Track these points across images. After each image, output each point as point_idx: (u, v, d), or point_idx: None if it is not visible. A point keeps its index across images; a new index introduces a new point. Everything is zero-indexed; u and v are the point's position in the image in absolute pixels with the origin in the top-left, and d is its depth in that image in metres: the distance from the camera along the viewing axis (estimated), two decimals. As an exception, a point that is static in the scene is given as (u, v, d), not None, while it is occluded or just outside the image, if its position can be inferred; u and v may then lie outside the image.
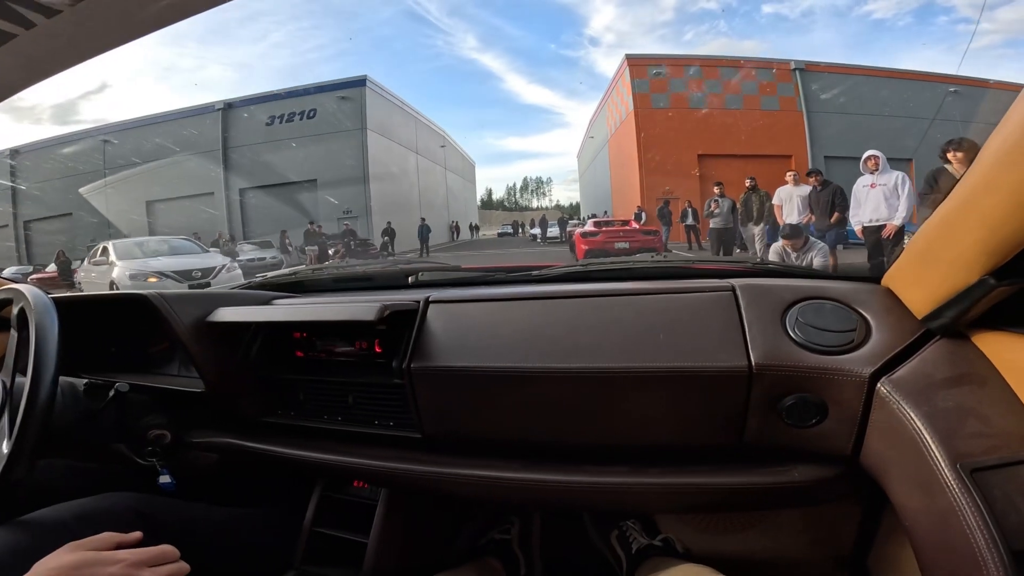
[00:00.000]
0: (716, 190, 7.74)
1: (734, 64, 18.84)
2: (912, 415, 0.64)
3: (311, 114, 19.26)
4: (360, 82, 19.41)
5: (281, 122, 19.38)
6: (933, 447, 0.59)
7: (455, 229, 26.04)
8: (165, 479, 1.05)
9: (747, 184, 7.28)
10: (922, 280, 0.71)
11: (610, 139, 22.50)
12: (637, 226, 11.18)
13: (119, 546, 0.65)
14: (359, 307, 0.93)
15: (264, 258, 14.38)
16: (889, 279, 0.81)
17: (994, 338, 0.65)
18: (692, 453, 0.85)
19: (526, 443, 0.92)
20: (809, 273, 1.03)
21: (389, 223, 16.70)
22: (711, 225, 7.83)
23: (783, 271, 1.06)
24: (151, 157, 19.09)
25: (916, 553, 0.64)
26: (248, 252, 14.58)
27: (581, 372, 0.82)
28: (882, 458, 0.71)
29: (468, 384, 0.90)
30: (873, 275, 0.87)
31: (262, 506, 1.18)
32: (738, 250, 8.01)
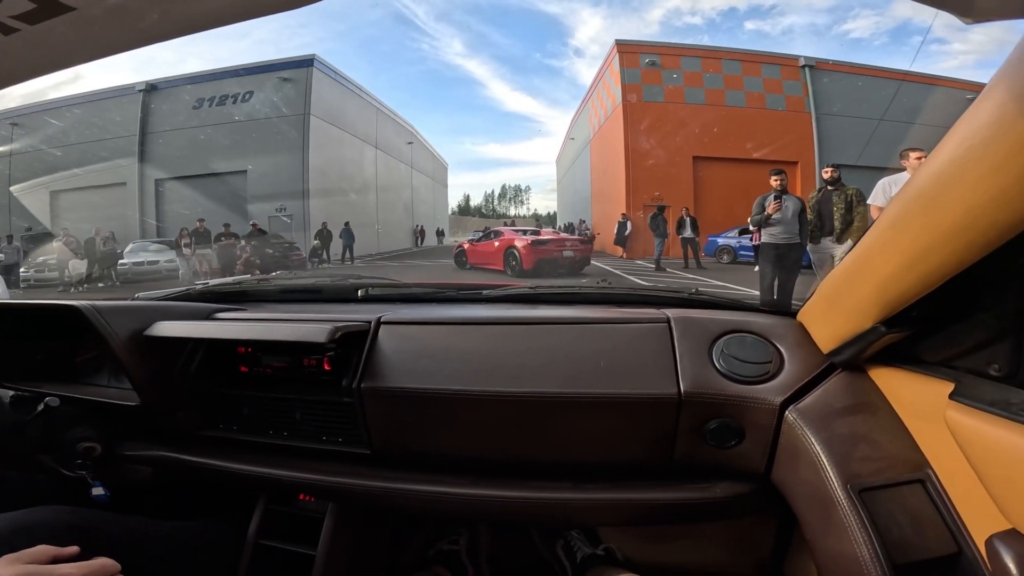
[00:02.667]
0: (775, 182, 4.64)
1: (737, 57, 16.44)
2: (813, 440, 0.73)
3: (246, 97, 16.66)
4: (307, 62, 16.88)
5: (211, 105, 16.81)
6: (829, 469, 0.68)
7: (420, 234, 23.14)
8: (98, 491, 1.05)
9: (826, 175, 4.60)
10: (828, 320, 0.80)
11: (592, 139, 20.39)
12: (550, 233, 11.21)
13: (55, 560, 0.65)
14: (310, 328, 0.90)
15: (157, 261, 11.29)
16: (802, 315, 0.91)
17: (887, 373, 0.75)
18: (628, 470, 0.94)
19: (474, 459, 0.96)
20: (736, 305, 1.09)
21: (324, 224, 13.78)
22: (763, 239, 4.70)
23: (714, 302, 1.10)
24: (60, 143, 16.80)
25: (815, 562, 0.72)
26: (140, 254, 11.66)
27: (527, 396, 0.87)
28: (788, 477, 0.80)
29: (418, 404, 0.92)
30: (790, 311, 0.96)
31: (202, 518, 1.12)
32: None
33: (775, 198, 4.46)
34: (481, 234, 12.17)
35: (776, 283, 4.45)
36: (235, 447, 1.07)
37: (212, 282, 1.50)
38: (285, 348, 1.03)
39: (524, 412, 0.88)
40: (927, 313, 0.62)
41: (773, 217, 4.47)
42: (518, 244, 9.98)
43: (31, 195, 15.79)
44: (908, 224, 0.56)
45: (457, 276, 10.67)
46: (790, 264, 4.47)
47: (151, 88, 16.93)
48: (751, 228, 4.82)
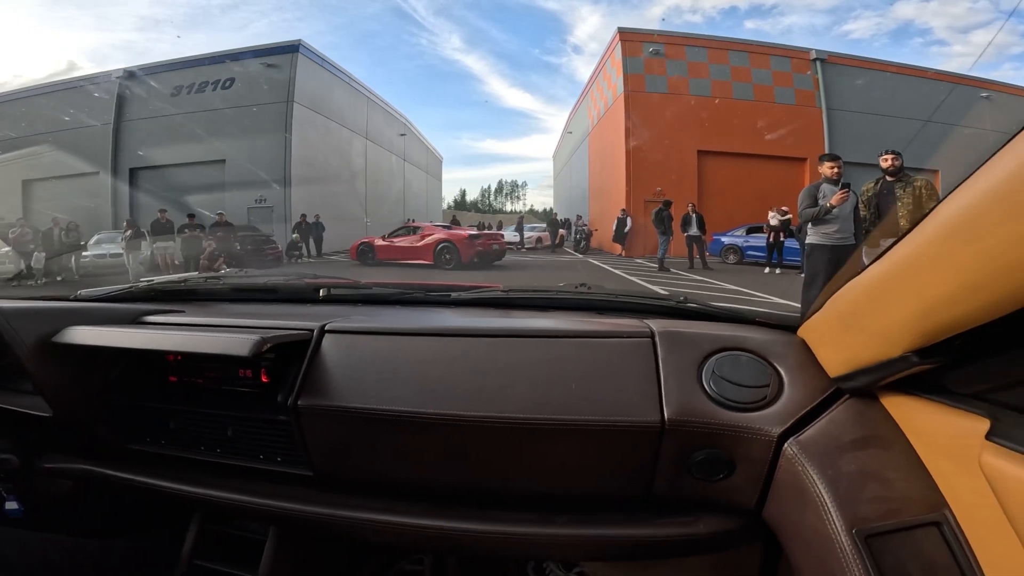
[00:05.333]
0: (831, 168, 3.73)
1: (745, 48, 15.75)
2: (815, 478, 0.65)
3: (227, 84, 16.00)
4: (292, 48, 16.15)
5: (189, 92, 16.10)
6: (832, 512, 0.61)
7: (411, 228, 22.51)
8: (12, 505, 1.01)
9: (885, 163, 3.72)
10: (840, 342, 0.71)
11: (591, 132, 19.71)
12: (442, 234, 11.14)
13: None
14: (233, 339, 0.83)
15: (121, 253, 10.71)
16: (806, 331, 0.82)
17: (903, 401, 0.66)
18: (601, 501, 0.85)
19: (430, 486, 0.88)
20: (729, 317, 1.01)
21: (304, 216, 12.89)
22: (811, 239, 3.81)
23: (704, 313, 1.03)
24: (35, 131, 16.14)
25: None
26: (104, 245, 11.13)
27: (487, 420, 0.78)
28: (783, 516, 0.72)
29: (363, 426, 0.84)
30: (790, 324, 0.88)
31: (129, 536, 1.08)
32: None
33: (841, 187, 3.60)
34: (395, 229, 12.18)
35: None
36: (164, 462, 1.00)
37: (157, 279, 1.44)
38: (217, 357, 0.93)
39: (484, 438, 0.80)
40: (969, 341, 0.51)
41: (831, 211, 3.60)
42: (453, 239, 10.48)
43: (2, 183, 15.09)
44: (980, 234, 0.43)
45: (379, 275, 10.19)
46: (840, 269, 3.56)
47: (129, 75, 16.23)
48: (773, 225, 3.97)
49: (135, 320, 1.06)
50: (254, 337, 0.80)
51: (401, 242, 11.09)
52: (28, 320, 0.94)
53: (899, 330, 0.56)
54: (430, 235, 10.78)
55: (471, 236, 10.65)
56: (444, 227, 12.02)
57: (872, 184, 3.75)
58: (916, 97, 14.96)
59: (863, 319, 0.64)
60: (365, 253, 11.26)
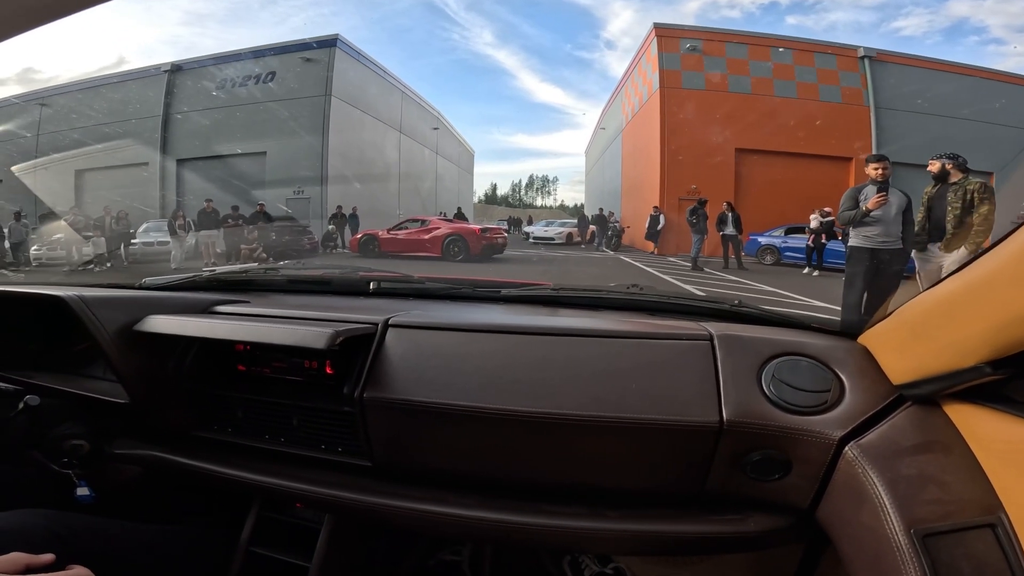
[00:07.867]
0: (876, 170, 3.63)
1: (788, 45, 15.29)
2: (875, 480, 0.67)
3: (268, 78, 16.39)
4: (330, 42, 16.46)
5: (233, 87, 16.73)
6: (891, 512, 0.63)
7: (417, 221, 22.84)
8: (83, 491, 1.02)
9: (938, 167, 3.60)
10: (908, 350, 0.73)
11: (625, 128, 19.42)
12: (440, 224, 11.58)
13: (28, 568, 0.63)
14: (308, 332, 0.85)
15: (168, 242, 11.02)
16: (868, 339, 0.83)
17: (965, 409, 0.67)
18: (649, 497, 0.87)
19: (483, 478, 0.90)
20: (788, 322, 1.01)
21: (340, 208, 13.22)
22: (854, 241, 3.72)
23: (761, 317, 1.03)
24: (88, 123, 16.92)
25: None
26: (152, 234, 11.66)
27: (547, 417, 0.80)
28: (838, 516, 0.74)
29: (425, 418, 0.86)
30: (851, 331, 0.88)
31: (192, 522, 1.10)
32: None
33: (879, 190, 3.50)
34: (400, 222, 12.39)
35: (865, 297, 3.49)
36: (229, 450, 1.02)
37: (219, 269, 1.53)
38: (286, 347, 0.95)
39: (543, 433, 0.82)
40: None
41: (870, 213, 3.51)
42: (464, 232, 10.92)
43: (55, 173, 15.87)
44: None
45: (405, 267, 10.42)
46: (890, 275, 3.52)
47: (176, 68, 16.86)
48: (819, 228, 3.92)
49: (206, 310, 1.09)
50: (328, 330, 0.83)
51: (404, 236, 11.29)
52: (110, 308, 0.96)
53: (973, 342, 0.58)
54: (436, 228, 11.08)
55: (481, 230, 11.20)
56: (448, 220, 12.58)
57: (931, 187, 3.64)
58: (970, 97, 14.29)
59: (934, 330, 0.66)
60: (367, 245, 11.42)
